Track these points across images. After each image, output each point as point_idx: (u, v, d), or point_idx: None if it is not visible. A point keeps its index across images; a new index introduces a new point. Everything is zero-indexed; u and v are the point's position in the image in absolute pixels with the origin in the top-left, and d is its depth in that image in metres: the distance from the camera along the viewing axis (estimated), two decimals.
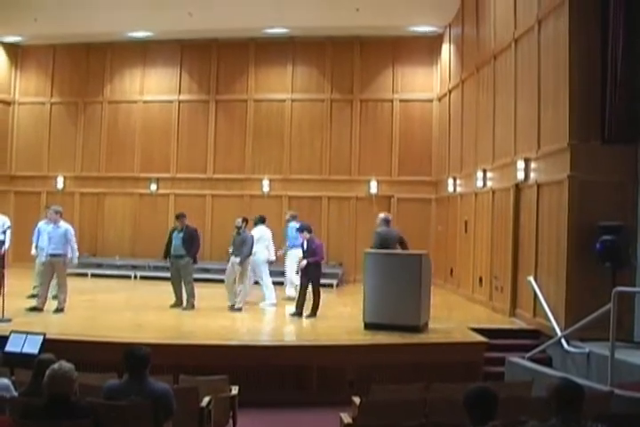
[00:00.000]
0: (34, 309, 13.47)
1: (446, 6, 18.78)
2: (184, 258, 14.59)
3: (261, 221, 15.89)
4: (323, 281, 19.19)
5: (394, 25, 20.09)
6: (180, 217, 14.93)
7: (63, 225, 13.88)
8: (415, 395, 7.41)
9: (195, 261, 14.85)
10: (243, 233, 14.70)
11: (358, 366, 10.66)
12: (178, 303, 14.67)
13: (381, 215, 14.05)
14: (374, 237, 13.77)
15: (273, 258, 15.95)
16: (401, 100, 21.40)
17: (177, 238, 14.67)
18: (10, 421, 4.89)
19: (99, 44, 22.77)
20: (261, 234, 15.47)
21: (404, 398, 7.21)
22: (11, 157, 23.41)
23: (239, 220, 14.87)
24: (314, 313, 13.83)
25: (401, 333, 11.60)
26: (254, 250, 14.93)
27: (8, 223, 15.69)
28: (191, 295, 14.63)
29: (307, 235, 14.07)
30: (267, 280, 15.53)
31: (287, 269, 16.87)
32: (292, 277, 16.49)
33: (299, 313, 13.79)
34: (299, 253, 15.14)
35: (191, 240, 14.70)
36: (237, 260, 14.48)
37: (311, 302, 13.86)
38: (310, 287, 13.90)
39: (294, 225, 16.27)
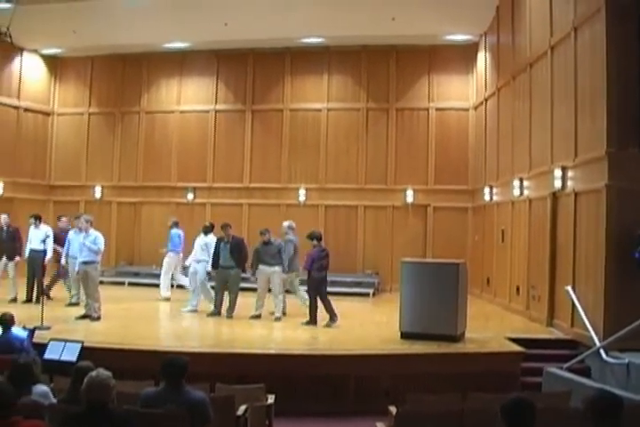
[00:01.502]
0: (84, 317, 13.64)
1: (481, 15, 18.69)
2: (233, 269, 14.60)
3: (211, 229, 15.77)
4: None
5: (429, 34, 20.07)
6: (225, 227, 14.90)
7: (93, 233, 14.02)
8: (452, 405, 7.36)
9: (244, 271, 14.87)
10: (274, 241, 14.67)
11: (394, 375, 10.60)
12: (215, 312, 14.66)
13: (291, 223, 15.01)
14: (289, 245, 14.50)
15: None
16: (437, 109, 21.35)
17: (225, 249, 14.68)
18: (48, 425, 4.93)
19: (136, 55, 23.00)
20: (210, 242, 15.37)
21: (440, 409, 7.15)
22: (50, 167, 23.72)
23: (262, 231, 14.81)
24: (333, 320, 13.84)
25: (437, 342, 11.53)
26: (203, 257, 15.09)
27: (50, 233, 15.91)
28: (234, 305, 14.65)
29: (314, 243, 14.06)
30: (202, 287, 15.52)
31: (162, 270, 17.35)
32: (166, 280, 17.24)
33: (312, 322, 13.80)
34: (178, 257, 16.45)
35: (239, 251, 14.71)
36: (275, 269, 14.42)
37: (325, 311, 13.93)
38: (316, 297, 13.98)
39: (177, 231, 17.10)
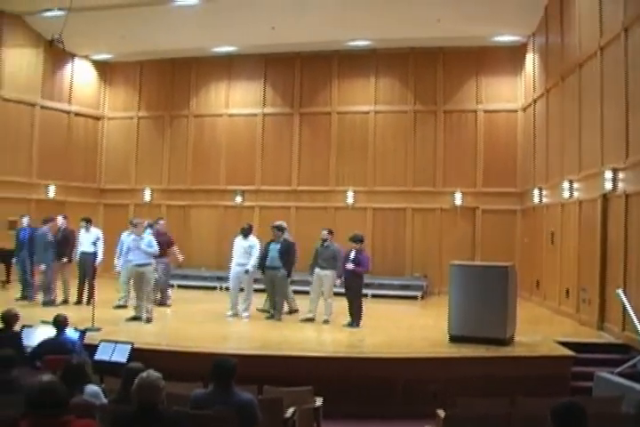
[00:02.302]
0: (134, 318, 13.84)
1: (530, 15, 18.54)
2: (280, 270, 14.61)
3: (250, 230, 15.37)
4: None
5: (477, 35, 19.94)
6: (277, 229, 14.96)
7: (147, 236, 14.26)
8: (500, 409, 7.32)
9: (289, 275, 14.80)
10: (331, 246, 14.59)
11: (443, 378, 10.55)
12: (273, 315, 14.74)
13: (283, 223, 15.14)
14: (292, 248, 14.68)
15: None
16: (485, 111, 21.23)
17: (274, 250, 14.70)
18: (99, 425, 5.00)
19: (184, 59, 23.26)
20: (253, 244, 15.14)
21: (489, 412, 7.11)
22: (100, 171, 24.08)
23: (325, 232, 14.69)
24: (357, 323, 13.87)
25: (486, 346, 11.45)
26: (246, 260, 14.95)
27: (100, 235, 16.15)
28: (281, 308, 14.70)
29: (357, 245, 14.05)
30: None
31: None
32: None
33: (356, 324, 13.84)
34: None
35: (288, 253, 14.71)
36: (328, 272, 14.34)
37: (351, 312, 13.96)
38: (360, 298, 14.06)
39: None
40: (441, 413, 7.49)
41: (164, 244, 15.93)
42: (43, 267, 15.56)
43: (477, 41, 20.56)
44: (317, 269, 14.47)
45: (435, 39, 20.43)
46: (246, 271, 14.83)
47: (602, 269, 13.47)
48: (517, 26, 19.44)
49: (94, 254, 15.89)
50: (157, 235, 15.59)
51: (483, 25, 19.07)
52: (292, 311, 15.49)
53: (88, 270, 16.01)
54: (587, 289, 14.34)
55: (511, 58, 20.94)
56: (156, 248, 14.20)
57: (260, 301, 15.51)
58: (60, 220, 16.59)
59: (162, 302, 16.00)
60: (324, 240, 14.57)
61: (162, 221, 16.85)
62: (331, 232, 14.80)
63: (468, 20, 18.57)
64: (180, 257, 17.20)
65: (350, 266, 13.78)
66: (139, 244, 14.01)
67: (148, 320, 13.77)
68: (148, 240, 14.18)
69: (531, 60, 19.89)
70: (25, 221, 16.89)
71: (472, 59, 21.26)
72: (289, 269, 14.74)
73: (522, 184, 20.45)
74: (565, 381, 10.74)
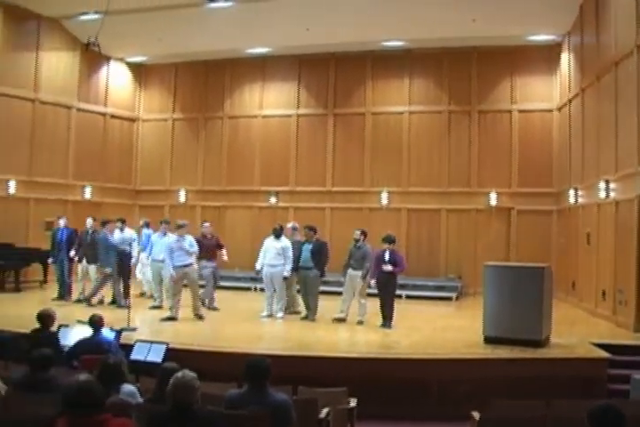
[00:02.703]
0: (169, 319, 13.99)
1: (564, 14, 18.38)
2: (312, 270, 14.63)
3: (282, 231, 15.27)
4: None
5: (511, 35, 19.81)
6: (309, 229, 14.99)
7: (188, 237, 14.54)
8: (536, 411, 7.26)
9: (322, 275, 14.85)
10: (363, 246, 14.56)
11: (477, 380, 10.49)
12: (309, 314, 14.77)
13: (295, 224, 15.48)
14: (324, 247, 14.77)
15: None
16: (520, 111, 21.09)
17: (306, 250, 14.74)
18: (135, 424, 5.04)
19: (218, 61, 23.41)
20: (286, 246, 15.12)
21: (524, 415, 7.05)
22: (135, 173, 24.31)
23: (358, 232, 14.64)
24: (389, 324, 13.86)
25: (521, 347, 11.36)
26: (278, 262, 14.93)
27: (135, 236, 16.31)
28: (315, 308, 14.72)
29: (391, 246, 14.03)
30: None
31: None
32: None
33: (388, 325, 13.84)
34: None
35: (320, 253, 14.73)
36: (358, 273, 14.35)
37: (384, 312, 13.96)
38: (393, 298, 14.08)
39: (147, 232, 17.38)
40: (475, 415, 7.46)
41: (211, 247, 16.04)
42: (108, 270, 15.65)
43: (512, 40, 20.42)
44: (349, 270, 14.47)
45: (469, 39, 20.34)
46: (285, 278, 14.90)
47: (638, 271, 13.34)
48: (552, 25, 19.30)
49: (129, 255, 16.07)
50: (203, 238, 15.70)
51: (517, 24, 18.96)
52: (293, 313, 15.51)
53: (124, 271, 16.19)
54: (623, 291, 14.20)
55: (546, 57, 20.78)
56: (196, 248, 14.48)
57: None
58: (88, 222, 16.77)
59: (210, 306, 15.86)
60: (357, 241, 14.54)
61: (207, 224, 16.74)
62: (363, 233, 14.72)
63: (503, 20, 18.49)
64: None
65: (389, 268, 13.78)
66: (182, 244, 14.27)
67: (200, 317, 14.31)
68: (190, 241, 14.46)
69: (566, 60, 19.74)
70: (62, 222, 17.09)
71: (507, 58, 21.12)
72: (321, 269, 14.75)
73: (557, 184, 20.30)
74: (602, 383, 10.65)
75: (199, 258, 15.28)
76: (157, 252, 15.79)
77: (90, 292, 15.86)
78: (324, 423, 7.15)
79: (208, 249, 15.60)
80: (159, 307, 15.62)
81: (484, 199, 20.95)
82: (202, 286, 15.64)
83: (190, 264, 14.36)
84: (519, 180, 20.84)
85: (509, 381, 10.30)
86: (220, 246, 16.69)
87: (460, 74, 21.48)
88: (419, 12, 18.21)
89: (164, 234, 15.91)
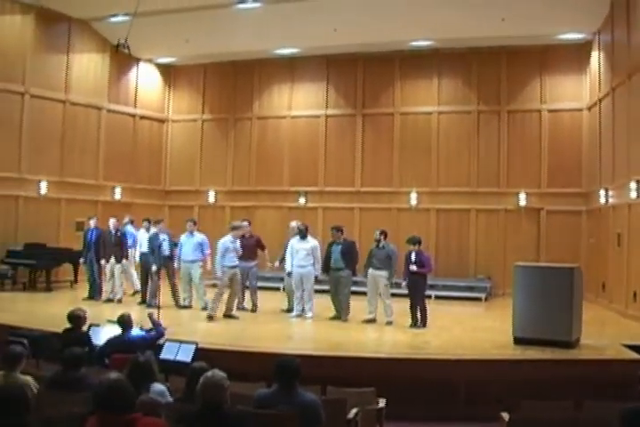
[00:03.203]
0: (210, 318, 14.22)
1: (594, 12, 18.21)
2: (344, 271, 14.65)
3: (307, 231, 15.28)
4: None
5: (540, 34, 19.67)
6: (336, 230, 15.01)
7: (199, 235, 15.19)
8: (566, 413, 7.23)
9: (354, 274, 14.87)
10: (386, 246, 14.54)
11: (507, 381, 10.42)
12: (338, 316, 14.76)
13: (299, 224, 15.35)
14: (353, 247, 14.93)
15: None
16: (549, 111, 20.95)
17: (336, 252, 14.74)
18: (167, 424, 5.07)
19: (247, 62, 23.48)
20: (314, 246, 15.15)
21: (554, 416, 7.02)
22: (165, 173, 24.46)
23: (377, 232, 14.59)
24: (423, 324, 13.86)
25: (552, 348, 11.29)
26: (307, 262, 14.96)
27: (166, 238, 16.40)
28: (347, 308, 14.72)
29: (416, 247, 14.00)
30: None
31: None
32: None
33: (415, 324, 13.84)
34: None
35: (350, 253, 14.74)
36: (383, 273, 14.32)
37: (419, 314, 13.94)
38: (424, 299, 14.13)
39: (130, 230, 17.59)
40: (505, 416, 7.42)
41: (252, 247, 16.07)
42: (154, 268, 15.80)
43: (541, 39, 20.29)
44: (371, 270, 14.46)
45: (498, 38, 20.22)
46: (316, 277, 14.97)
47: None
48: (582, 23, 19.13)
49: (169, 257, 16.17)
50: (241, 237, 15.78)
51: (547, 23, 18.81)
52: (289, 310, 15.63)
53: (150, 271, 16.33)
54: None
55: (576, 56, 20.62)
56: (239, 250, 14.83)
57: (320, 301, 15.56)
58: (112, 222, 16.94)
59: (239, 306, 15.79)
60: (378, 241, 14.52)
61: (245, 223, 16.42)
62: (383, 233, 14.65)
63: (532, 19, 18.35)
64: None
65: (414, 268, 13.76)
66: (236, 245, 14.66)
67: (253, 310, 15.18)
68: (212, 240, 15.00)
69: (596, 58, 19.57)
70: (92, 222, 17.24)
71: (536, 57, 21.00)
72: (353, 269, 14.78)
73: (587, 184, 20.14)
74: (633, 385, 10.53)
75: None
76: (187, 252, 15.85)
77: (149, 294, 15.79)
78: (353, 424, 7.15)
79: (245, 249, 15.62)
80: (189, 307, 15.70)
81: (514, 200, 20.85)
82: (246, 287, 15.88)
83: (238, 266, 14.70)
84: (549, 180, 20.70)
85: (539, 382, 10.22)
86: (261, 247, 16.59)
87: (489, 74, 21.38)
88: (447, 12, 18.14)
89: (192, 234, 15.96)
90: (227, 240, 14.70)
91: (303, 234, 15.06)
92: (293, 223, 15.87)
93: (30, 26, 19.80)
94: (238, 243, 14.78)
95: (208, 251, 15.97)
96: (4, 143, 19.19)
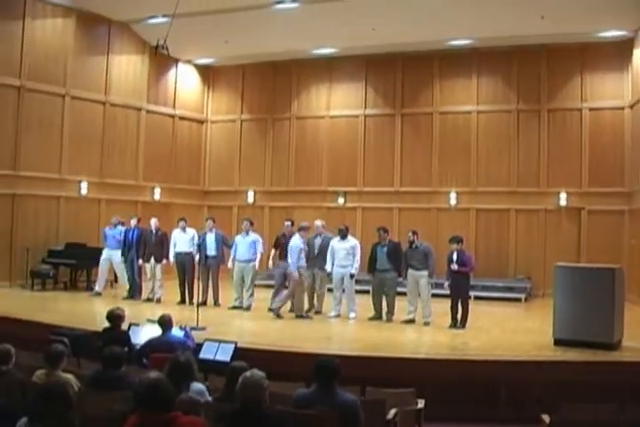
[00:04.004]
0: (278, 316, 14.63)
1: (636, 9, 17.98)
2: (390, 272, 14.62)
3: (347, 231, 15.36)
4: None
5: (581, 31, 19.47)
6: (382, 230, 14.96)
7: (253, 235, 15.27)
8: (608, 415, 7.16)
9: (399, 275, 14.74)
10: (420, 245, 14.52)
11: (547, 382, 10.35)
12: (377, 317, 14.75)
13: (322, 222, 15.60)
14: (399, 248, 14.75)
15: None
16: (590, 109, 20.72)
17: (381, 253, 14.72)
18: (206, 422, 5.12)
19: (285, 62, 23.54)
20: (355, 245, 15.17)
21: (596, 419, 6.95)
22: (204, 173, 24.62)
23: (410, 234, 14.60)
24: (463, 325, 13.79)
25: (593, 350, 11.18)
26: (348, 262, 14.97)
27: (196, 236, 16.49)
28: (392, 309, 14.68)
29: (458, 246, 13.96)
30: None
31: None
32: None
33: (455, 325, 13.79)
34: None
35: (396, 254, 14.65)
36: (423, 273, 14.28)
37: (459, 314, 13.86)
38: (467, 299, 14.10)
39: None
40: (546, 418, 7.38)
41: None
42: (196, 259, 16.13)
43: (582, 37, 20.06)
44: (411, 271, 14.43)
45: (538, 36, 20.04)
46: (352, 276, 14.95)
47: None
48: (623, 20, 18.89)
49: (191, 254, 16.28)
50: (282, 237, 15.87)
51: (587, 20, 18.61)
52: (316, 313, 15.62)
53: (188, 271, 16.45)
54: None
55: (617, 53, 20.35)
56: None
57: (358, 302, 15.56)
58: (153, 222, 17.08)
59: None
60: (412, 242, 14.51)
61: (288, 223, 16.29)
62: (415, 233, 14.66)
63: (573, 16, 18.19)
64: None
65: (455, 267, 13.74)
66: (305, 246, 14.86)
67: (302, 317, 14.82)
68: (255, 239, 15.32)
69: (638, 56, 19.34)
70: (133, 221, 17.39)
71: (576, 55, 20.77)
72: (399, 270, 14.67)
73: (630, 184, 19.90)
74: None
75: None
76: (242, 252, 15.87)
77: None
78: (392, 424, 7.13)
79: (285, 248, 15.63)
80: (239, 307, 15.76)
81: (554, 199, 20.68)
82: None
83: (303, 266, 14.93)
84: (590, 179, 20.48)
85: (580, 384, 10.12)
86: None
87: (529, 72, 21.22)
88: (486, 10, 18.06)
89: (247, 233, 16.01)
90: (299, 241, 14.86)
91: (344, 234, 15.12)
92: (317, 222, 15.91)
93: (71, 29, 20.04)
94: (304, 242, 15.05)
95: (262, 250, 16.01)
96: (46, 145, 19.46)
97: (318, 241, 15.45)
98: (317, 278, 15.42)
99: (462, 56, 21.79)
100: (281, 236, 16.09)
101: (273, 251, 16.18)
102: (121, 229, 17.74)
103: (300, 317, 14.68)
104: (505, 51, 21.36)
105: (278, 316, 14.57)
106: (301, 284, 14.91)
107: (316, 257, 15.32)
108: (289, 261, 14.80)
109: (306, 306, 15.25)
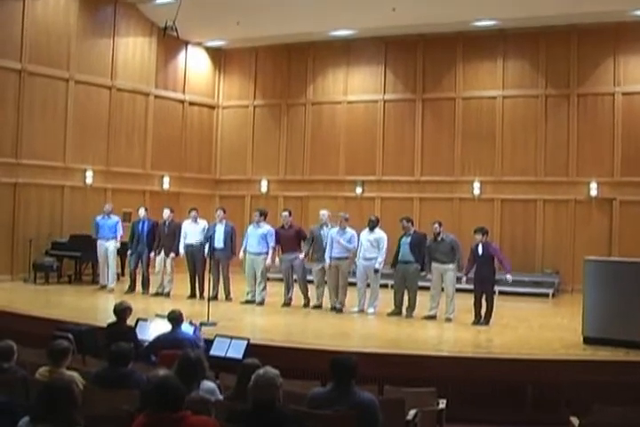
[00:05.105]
0: (315, 306, 15.19)
1: None
2: (412, 264, 14.60)
3: (377, 223, 15.30)
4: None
5: (614, 10, 19.18)
6: (406, 220, 14.96)
7: (350, 231, 15.25)
8: None
9: (422, 269, 14.69)
10: (447, 237, 14.48)
11: (576, 383, 10.27)
12: (397, 312, 14.74)
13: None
14: (423, 240, 14.69)
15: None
16: (623, 94, 20.52)
17: (404, 244, 14.70)
18: (217, 422, 5.12)
19: (300, 45, 23.46)
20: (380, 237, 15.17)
21: (629, 422, 6.91)
22: (215, 161, 24.62)
23: (436, 225, 14.51)
24: (487, 321, 13.79)
25: (625, 349, 11.12)
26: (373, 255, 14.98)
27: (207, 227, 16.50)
28: (413, 304, 14.67)
29: (483, 238, 13.90)
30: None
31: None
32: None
33: (478, 321, 13.78)
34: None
35: (419, 246, 14.61)
36: (450, 266, 14.26)
37: (483, 310, 13.86)
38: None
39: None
40: (575, 421, 7.33)
41: (292, 238, 16.02)
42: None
43: (615, 16, 19.76)
44: (436, 264, 14.38)
45: (568, 16, 19.79)
46: (376, 271, 14.96)
47: None
48: None
49: (202, 246, 16.27)
50: (281, 229, 15.93)
51: None
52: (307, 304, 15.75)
53: (198, 264, 16.46)
54: None
55: None
56: (354, 244, 15.07)
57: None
58: (165, 213, 17.08)
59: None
60: (438, 234, 14.46)
61: (285, 213, 16.44)
62: (441, 224, 14.62)
63: None
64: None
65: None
66: (340, 238, 14.95)
67: (338, 310, 15.05)
68: (351, 235, 15.09)
69: None
70: (142, 212, 17.37)
71: (609, 36, 20.49)
72: (422, 263, 14.63)
73: None
74: None
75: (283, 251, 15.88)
76: (253, 244, 15.91)
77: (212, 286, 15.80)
78: (412, 426, 7.10)
79: (284, 240, 15.82)
80: (252, 302, 15.78)
81: (584, 189, 20.55)
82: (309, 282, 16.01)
83: (345, 258, 15.11)
84: (622, 168, 20.29)
85: (611, 385, 10.06)
86: (303, 238, 16.28)
87: (558, 55, 21.03)
88: None
89: (258, 225, 16.00)
90: (334, 231, 15.17)
91: (373, 225, 15.13)
92: (324, 211, 15.94)
93: (74, 9, 20.01)
94: (343, 232, 15.18)
95: (272, 243, 15.93)
96: (49, 131, 19.50)
97: (326, 232, 15.46)
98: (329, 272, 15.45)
99: (487, 38, 21.64)
100: (279, 228, 16.16)
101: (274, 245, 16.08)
102: (116, 218, 17.78)
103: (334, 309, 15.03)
104: (532, 32, 21.17)
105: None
106: (331, 276, 15.20)
107: (325, 250, 15.35)
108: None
109: (315, 301, 15.51)
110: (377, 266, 14.91)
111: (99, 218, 17.89)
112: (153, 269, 17.20)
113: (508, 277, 13.86)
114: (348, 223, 15.30)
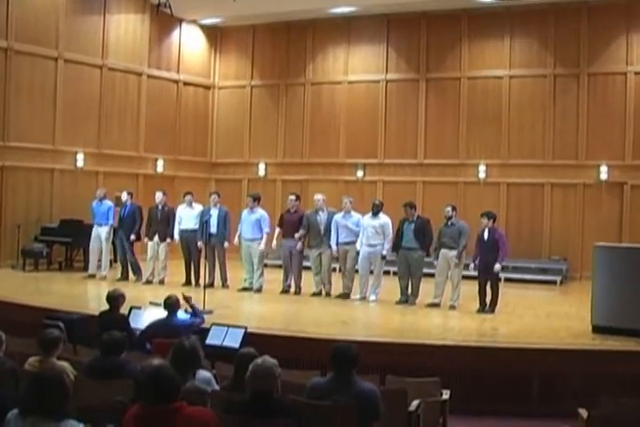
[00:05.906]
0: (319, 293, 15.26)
1: None
2: (416, 251, 14.59)
3: (381, 208, 15.25)
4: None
5: None
6: (409, 206, 14.89)
7: (356, 215, 15.40)
8: None
9: (427, 255, 14.75)
10: (457, 223, 14.41)
11: (584, 374, 10.30)
12: (404, 300, 14.73)
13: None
14: (427, 225, 14.78)
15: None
16: (636, 73, 20.39)
17: (407, 230, 14.66)
18: (213, 413, 5.13)
19: (300, 22, 23.39)
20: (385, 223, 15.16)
21: (638, 414, 6.95)
22: (211, 144, 24.60)
23: (449, 209, 14.43)
24: (492, 309, 13.80)
25: (636, 338, 11.11)
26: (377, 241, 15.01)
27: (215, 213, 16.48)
28: (417, 292, 14.70)
29: (489, 223, 13.88)
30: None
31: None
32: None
33: (483, 309, 13.81)
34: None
35: (424, 232, 14.62)
36: (453, 253, 14.22)
37: (488, 297, 13.88)
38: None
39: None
40: (583, 412, 7.33)
41: (296, 223, 15.90)
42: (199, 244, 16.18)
43: None
44: (444, 250, 14.32)
45: None
46: (383, 257, 14.99)
47: None
48: None
49: (197, 232, 16.24)
50: (286, 213, 16.03)
51: None
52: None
53: (193, 250, 16.44)
54: None
55: None
56: (360, 229, 15.10)
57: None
58: (158, 196, 16.99)
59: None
60: (450, 218, 14.42)
61: (292, 197, 16.26)
62: (454, 208, 14.57)
63: None
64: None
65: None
66: (347, 222, 15.08)
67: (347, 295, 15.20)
68: (358, 219, 15.16)
69: None
70: (124, 196, 17.38)
71: (621, 13, 20.37)
72: (426, 250, 14.68)
73: None
74: None
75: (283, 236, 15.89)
76: (247, 229, 15.92)
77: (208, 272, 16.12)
78: (414, 417, 7.10)
79: (288, 225, 15.80)
80: (249, 289, 15.80)
81: (594, 173, 20.52)
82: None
83: (352, 242, 15.19)
84: (634, 151, 20.23)
85: (621, 376, 10.09)
86: None
87: (568, 32, 20.94)
88: None
89: (252, 210, 15.98)
90: (338, 216, 15.36)
91: (377, 210, 15.12)
92: (318, 196, 15.94)
93: None
94: (350, 216, 15.32)
95: (267, 229, 15.96)
96: (37, 112, 19.45)
97: (323, 217, 15.47)
98: (324, 259, 15.43)
99: (493, 15, 21.58)
100: (285, 212, 16.13)
101: (278, 229, 16.12)
102: (109, 203, 17.75)
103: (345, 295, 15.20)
104: (541, 8, 21.09)
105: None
106: (342, 261, 15.47)
107: (323, 235, 15.39)
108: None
109: (314, 289, 15.63)
110: (384, 252, 14.91)
111: (94, 203, 17.85)
112: (142, 255, 17.18)
113: (497, 266, 13.75)
114: (352, 206, 15.36)
